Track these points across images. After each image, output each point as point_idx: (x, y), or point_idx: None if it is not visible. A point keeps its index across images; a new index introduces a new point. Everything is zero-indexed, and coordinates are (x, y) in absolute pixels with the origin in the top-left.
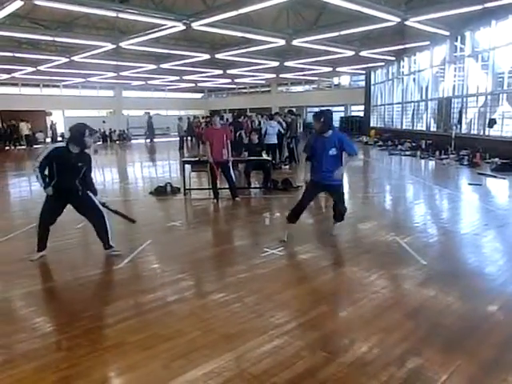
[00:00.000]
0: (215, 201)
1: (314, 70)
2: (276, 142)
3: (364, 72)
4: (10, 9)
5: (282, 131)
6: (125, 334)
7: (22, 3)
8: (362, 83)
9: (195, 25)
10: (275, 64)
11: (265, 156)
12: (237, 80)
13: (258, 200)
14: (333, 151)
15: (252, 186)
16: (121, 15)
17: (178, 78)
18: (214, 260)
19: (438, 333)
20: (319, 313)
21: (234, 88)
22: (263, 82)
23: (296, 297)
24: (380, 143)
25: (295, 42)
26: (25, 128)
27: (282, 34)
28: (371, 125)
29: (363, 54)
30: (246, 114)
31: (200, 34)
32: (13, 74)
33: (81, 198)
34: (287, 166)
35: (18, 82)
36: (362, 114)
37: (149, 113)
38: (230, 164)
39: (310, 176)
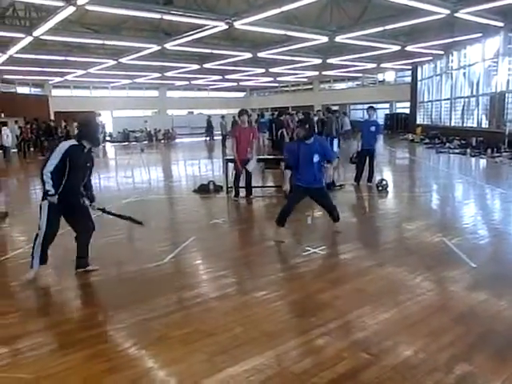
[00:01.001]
0: (236, 198)
1: (357, 66)
2: None
3: (410, 67)
4: (63, 15)
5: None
6: (168, 328)
7: (74, 9)
8: (408, 79)
9: (237, 24)
10: (318, 61)
11: None
12: (279, 78)
13: None
14: (316, 157)
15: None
16: (165, 17)
17: (220, 77)
18: (255, 257)
19: (489, 339)
20: (362, 314)
21: (276, 86)
22: (305, 79)
23: (338, 297)
24: (427, 141)
25: (338, 39)
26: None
27: (324, 31)
28: (417, 122)
29: (409, 48)
30: (288, 112)
31: (242, 33)
32: (65, 77)
33: (80, 206)
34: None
35: (70, 84)
36: (407, 110)
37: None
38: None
39: (288, 185)
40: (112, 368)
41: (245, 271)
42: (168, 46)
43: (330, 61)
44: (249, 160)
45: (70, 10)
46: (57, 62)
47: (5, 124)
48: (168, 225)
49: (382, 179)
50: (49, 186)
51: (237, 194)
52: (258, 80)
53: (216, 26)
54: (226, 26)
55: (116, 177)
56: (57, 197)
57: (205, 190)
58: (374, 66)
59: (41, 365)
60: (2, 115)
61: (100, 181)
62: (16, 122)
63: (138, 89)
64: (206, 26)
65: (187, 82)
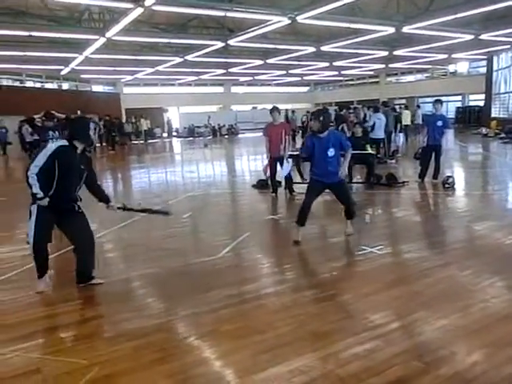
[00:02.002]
0: (274, 194)
1: (426, 57)
2: (383, 135)
3: (485, 57)
4: (133, 16)
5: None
6: (219, 323)
7: (142, 10)
8: (483, 70)
9: (300, 18)
10: (384, 53)
11: (369, 150)
12: (343, 72)
13: (360, 195)
14: (331, 151)
15: (354, 180)
16: (229, 14)
17: (284, 72)
18: (309, 255)
19: None
20: (417, 318)
21: (341, 80)
22: (371, 72)
23: (393, 299)
24: (502, 135)
25: (406, 29)
26: (144, 124)
27: (391, 22)
28: (492, 115)
29: (484, 37)
30: (349, 106)
31: (305, 27)
32: (135, 75)
33: (76, 214)
34: (393, 161)
35: (140, 82)
36: (481, 103)
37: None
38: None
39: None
40: (162, 358)
41: (297, 269)
42: (232, 42)
43: (396, 53)
44: (282, 158)
45: (139, 11)
46: (128, 61)
47: None
48: (226, 219)
49: (449, 176)
50: (36, 189)
51: (274, 191)
52: (321, 74)
53: (279, 21)
54: (289, 21)
55: (182, 171)
56: (47, 199)
57: (263, 185)
58: (445, 56)
59: (94, 351)
60: (79, 112)
61: (166, 175)
62: (90, 118)
63: (203, 85)
64: (268, 21)
65: (251, 78)
